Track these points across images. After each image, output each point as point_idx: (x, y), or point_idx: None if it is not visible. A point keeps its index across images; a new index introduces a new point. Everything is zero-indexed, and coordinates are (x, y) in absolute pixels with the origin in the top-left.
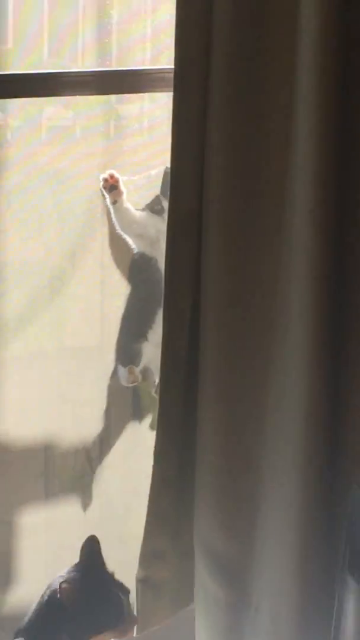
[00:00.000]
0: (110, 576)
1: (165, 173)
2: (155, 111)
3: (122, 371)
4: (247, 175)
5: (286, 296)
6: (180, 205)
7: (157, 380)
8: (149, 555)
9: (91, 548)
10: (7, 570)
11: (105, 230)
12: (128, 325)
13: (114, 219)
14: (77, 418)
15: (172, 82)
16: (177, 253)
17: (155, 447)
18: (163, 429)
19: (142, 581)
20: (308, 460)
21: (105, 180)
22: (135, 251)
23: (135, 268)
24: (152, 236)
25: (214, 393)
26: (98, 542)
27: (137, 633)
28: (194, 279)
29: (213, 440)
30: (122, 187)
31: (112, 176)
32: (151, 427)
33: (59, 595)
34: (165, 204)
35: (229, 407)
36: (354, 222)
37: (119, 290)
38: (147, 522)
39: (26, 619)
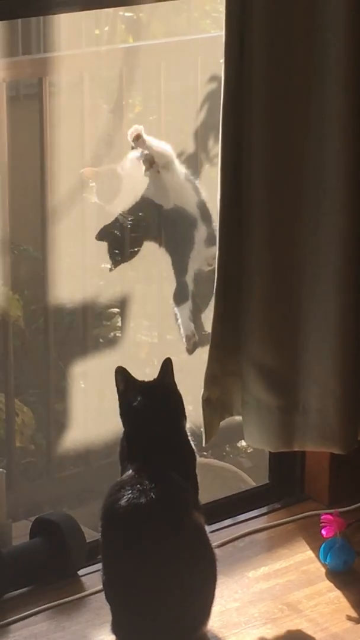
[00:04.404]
0: None
1: None
2: None
3: None
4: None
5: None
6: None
7: None
8: (208, 379)
9: None
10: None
11: None
12: None
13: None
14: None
15: None
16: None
17: (216, 288)
18: (222, 273)
19: (205, 400)
20: (344, 280)
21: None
22: None
23: None
24: None
25: (259, 242)
26: None
27: (205, 443)
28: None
29: (260, 277)
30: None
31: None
32: None
33: None
34: None
35: (271, 252)
36: None
37: None
38: (209, 351)
39: None
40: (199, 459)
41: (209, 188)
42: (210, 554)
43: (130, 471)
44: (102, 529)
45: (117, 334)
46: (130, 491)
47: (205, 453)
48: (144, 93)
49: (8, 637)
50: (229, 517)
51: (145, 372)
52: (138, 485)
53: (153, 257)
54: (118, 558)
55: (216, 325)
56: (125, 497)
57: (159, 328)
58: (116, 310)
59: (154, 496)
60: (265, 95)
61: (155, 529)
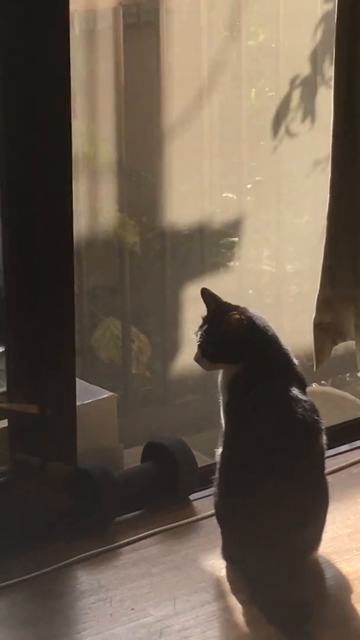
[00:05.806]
0: None
1: None
2: None
3: None
4: None
5: None
6: None
7: None
8: (320, 303)
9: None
10: None
11: None
12: None
13: None
14: None
15: None
16: None
17: (328, 211)
18: (334, 195)
19: (317, 325)
20: None
21: None
22: None
23: None
24: None
25: None
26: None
27: (315, 368)
28: None
29: None
30: None
31: None
32: None
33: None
34: None
35: None
36: None
37: None
38: (321, 275)
39: None
40: (317, 388)
41: (324, 110)
42: (325, 479)
43: (259, 390)
44: (225, 447)
45: (237, 263)
46: (262, 410)
47: (323, 382)
48: (261, 17)
49: (119, 560)
50: (346, 443)
51: (266, 302)
52: (270, 405)
53: (272, 184)
54: (241, 477)
55: (328, 248)
56: (257, 416)
57: (278, 257)
58: (235, 239)
59: (288, 417)
60: None
61: (286, 451)
